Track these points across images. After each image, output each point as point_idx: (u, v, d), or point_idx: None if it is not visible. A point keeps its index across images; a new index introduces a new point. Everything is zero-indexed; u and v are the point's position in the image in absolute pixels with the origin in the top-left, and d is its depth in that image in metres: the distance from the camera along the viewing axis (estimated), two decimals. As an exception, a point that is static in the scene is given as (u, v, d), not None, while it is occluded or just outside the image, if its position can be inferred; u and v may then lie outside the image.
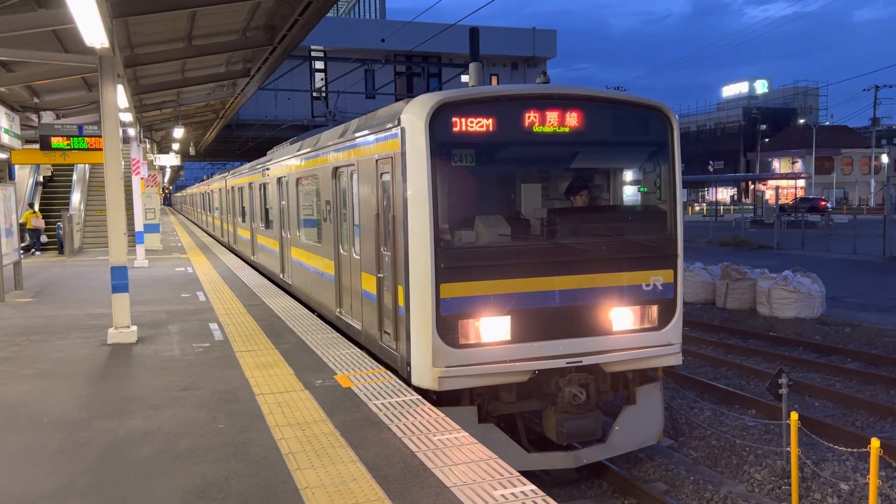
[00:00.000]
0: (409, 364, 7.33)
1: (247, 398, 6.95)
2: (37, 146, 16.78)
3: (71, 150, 16.23)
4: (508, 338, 7.27)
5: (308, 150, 11.98)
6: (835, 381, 12.06)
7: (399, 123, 7.30)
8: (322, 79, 46.57)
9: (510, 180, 8.35)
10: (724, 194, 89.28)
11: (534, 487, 4.77)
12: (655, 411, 8.32)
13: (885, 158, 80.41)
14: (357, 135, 8.95)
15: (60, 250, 23.83)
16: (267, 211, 17.11)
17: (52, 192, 29.14)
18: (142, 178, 22.15)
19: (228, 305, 12.62)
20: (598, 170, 8.76)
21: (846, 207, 70.75)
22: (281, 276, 15.25)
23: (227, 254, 23.63)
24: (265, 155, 19.75)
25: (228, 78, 19.31)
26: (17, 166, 23.74)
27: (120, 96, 11.58)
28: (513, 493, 4.68)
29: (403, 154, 7.20)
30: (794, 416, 7.51)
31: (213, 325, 10.73)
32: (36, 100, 17.21)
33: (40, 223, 24.91)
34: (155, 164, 29.38)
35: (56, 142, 16.13)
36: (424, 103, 7.15)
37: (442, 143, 7.11)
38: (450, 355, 7.08)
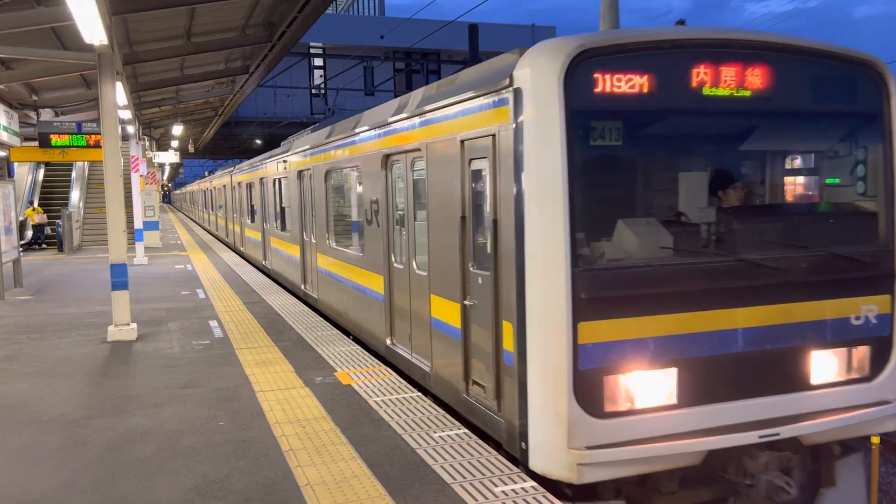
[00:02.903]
0: (523, 438, 5.11)
1: (247, 395, 6.96)
2: (36, 144, 16.76)
3: (70, 147, 16.20)
4: (674, 400, 5.06)
5: (343, 135, 9.80)
6: None
7: (511, 84, 5.12)
8: (321, 76, 46.53)
9: (668, 167, 5.88)
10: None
11: (534, 484, 4.77)
12: (860, 494, 5.95)
13: None
14: (427, 108, 6.73)
15: (60, 248, 23.83)
16: (283, 210, 15.11)
17: (50, 190, 29.10)
18: (141, 176, 22.15)
19: (228, 303, 12.62)
20: (785, 152, 6.33)
21: None
22: (303, 287, 13.07)
23: (227, 251, 23.62)
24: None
25: (227, 75, 19.28)
26: (15, 164, 23.74)
27: (119, 94, 11.56)
28: (513, 490, 4.68)
29: (518, 129, 5.05)
30: None
31: (213, 323, 10.73)
32: (35, 97, 17.17)
33: (43, 218, 25.26)
34: (154, 161, 29.37)
35: (55, 139, 16.10)
36: (556, 51, 4.90)
37: (582, 111, 4.89)
38: (593, 430, 4.86)
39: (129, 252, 14.43)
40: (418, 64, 45.68)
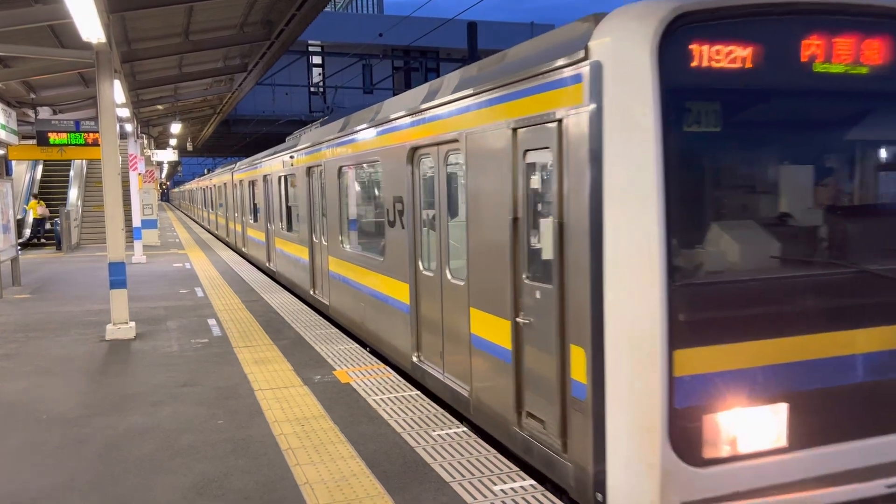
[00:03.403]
0: (599, 489, 4.31)
1: (246, 394, 6.95)
2: (34, 142, 16.74)
3: (68, 145, 16.18)
4: (783, 442, 4.20)
5: (360, 127, 8.93)
6: None
7: (586, 57, 4.26)
8: (320, 74, 46.50)
9: (773, 159, 4.75)
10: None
11: (533, 482, 4.77)
12: None
13: None
14: (467, 92, 5.81)
15: (58, 246, 23.81)
16: (289, 209, 14.30)
17: (48, 189, 29.07)
18: (139, 174, 22.13)
19: (227, 301, 12.61)
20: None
21: None
22: (312, 292, 12.22)
23: (226, 250, 23.60)
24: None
25: (226, 73, 19.27)
26: (13, 162, 23.73)
27: (117, 92, 11.54)
28: (512, 488, 4.68)
29: (596, 113, 4.17)
30: None
31: (212, 321, 10.72)
32: (32, 95, 17.14)
33: (45, 211, 25.45)
34: (152, 159, 29.36)
35: (53, 137, 16.08)
36: (647, 16, 4.05)
37: (677, 90, 4.03)
38: (690, 481, 4.02)
39: (128, 250, 14.42)
40: (417, 62, 45.65)
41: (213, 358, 8.46)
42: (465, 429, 5.83)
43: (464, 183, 6.00)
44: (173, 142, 34.81)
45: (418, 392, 6.88)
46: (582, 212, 4.30)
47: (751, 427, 4.15)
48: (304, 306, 11.96)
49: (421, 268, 7.21)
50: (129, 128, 20.20)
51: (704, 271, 4.20)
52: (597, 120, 4.17)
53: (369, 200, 9.63)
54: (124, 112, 16.36)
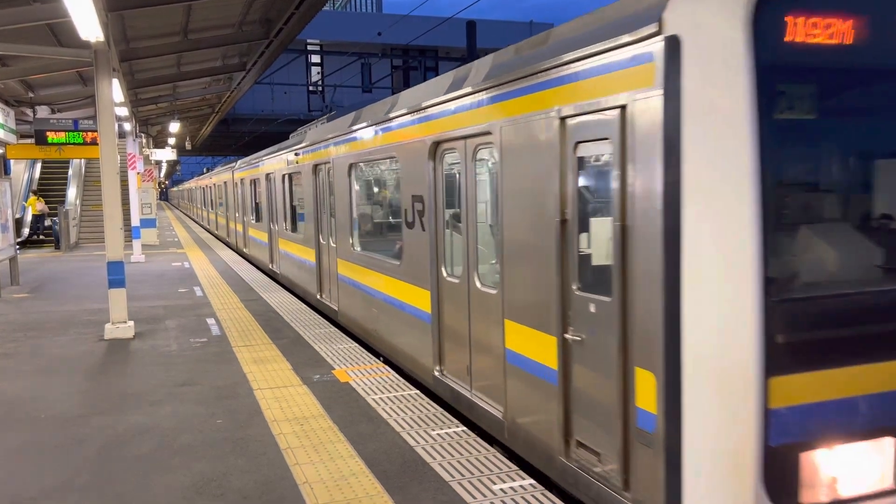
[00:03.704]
0: None
1: (245, 393, 6.94)
2: (32, 141, 16.71)
3: (66, 144, 16.16)
4: (889, 482, 3.70)
5: (374, 121, 8.34)
6: None
7: (660, 31, 3.65)
8: (318, 73, 46.47)
9: (877, 152, 4.01)
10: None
11: (533, 482, 4.77)
12: None
13: None
14: (502, 79, 5.22)
15: (57, 245, 23.79)
16: (293, 209, 13.80)
17: (46, 188, 29.05)
18: (138, 173, 22.11)
19: (225, 300, 12.60)
20: None
21: None
22: (318, 296, 11.72)
23: (224, 249, 23.59)
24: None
25: (224, 72, 19.24)
26: (12, 161, 23.72)
27: (115, 91, 11.53)
28: (512, 487, 4.68)
29: (672, 97, 3.56)
30: None
31: (211, 321, 10.71)
32: (31, 94, 17.12)
33: (44, 207, 25.49)
34: (151, 158, 29.33)
35: (51, 136, 16.05)
36: None
37: (773, 69, 3.48)
38: None
39: (127, 250, 14.42)
40: (416, 61, 45.62)
41: (212, 357, 8.45)
42: (464, 428, 5.82)
43: (497, 180, 5.40)
44: (172, 141, 34.77)
45: (417, 391, 6.87)
46: (653, 212, 3.69)
47: (853, 466, 3.60)
48: (303, 305, 11.95)
49: (444, 274, 6.59)
50: (127, 127, 20.19)
51: (806, 284, 3.57)
52: (673, 105, 3.55)
53: (384, 200, 9.22)
54: (123, 111, 16.35)
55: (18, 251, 16.19)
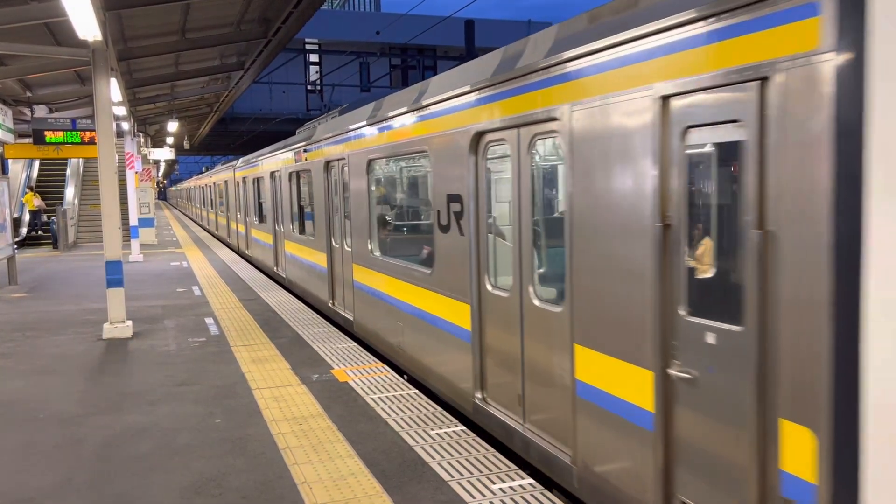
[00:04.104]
0: None
1: (243, 393, 6.94)
2: (30, 140, 16.69)
3: (64, 144, 16.13)
4: None
5: (399, 111, 7.41)
6: None
7: None
8: (317, 72, 46.45)
9: None
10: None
11: (532, 481, 4.77)
12: None
13: None
14: (567, 56, 4.42)
15: (55, 245, 23.76)
16: (302, 209, 13.02)
17: (44, 187, 29.02)
18: (136, 173, 22.09)
19: (224, 300, 12.59)
20: None
21: None
22: (331, 303, 10.89)
23: (223, 248, 23.57)
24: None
25: (223, 71, 19.23)
26: (10, 161, 23.68)
27: (113, 90, 11.51)
28: (511, 487, 4.68)
29: (855, 61, 2.74)
30: None
31: (209, 320, 10.71)
32: (29, 94, 17.11)
33: (41, 203, 25.49)
34: (149, 157, 29.30)
35: (49, 136, 16.03)
36: None
37: None
38: None
39: (125, 249, 14.40)
40: (414, 60, 45.60)
41: (211, 357, 8.44)
42: (463, 427, 5.82)
43: (566, 176, 4.54)
44: (170, 140, 34.72)
45: (416, 391, 6.86)
46: (814, 215, 2.88)
47: None
48: (302, 305, 11.94)
49: (488, 286, 5.73)
50: (125, 126, 20.17)
51: None
52: (852, 72, 2.70)
53: (411, 199, 8.60)
54: (121, 110, 16.32)
55: (16, 251, 16.18)
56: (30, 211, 25.45)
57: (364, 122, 8.63)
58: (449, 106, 6.23)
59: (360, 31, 40.66)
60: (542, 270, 5.26)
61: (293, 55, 41.70)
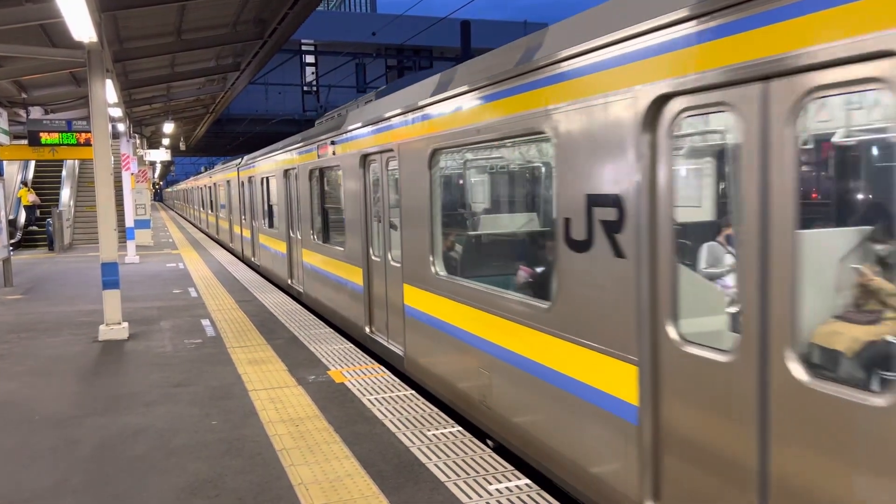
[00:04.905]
0: None
1: (240, 394, 6.93)
2: (25, 142, 16.65)
3: (60, 145, 16.10)
4: None
5: (497, 77, 5.32)
6: None
7: None
8: (313, 73, 46.45)
9: None
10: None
11: (528, 482, 4.77)
12: None
13: None
14: None
15: (50, 247, 23.71)
16: (325, 213, 11.40)
17: (40, 189, 28.98)
18: (132, 174, 22.06)
19: (220, 301, 12.57)
20: None
21: None
22: (367, 329, 9.01)
23: (219, 249, 23.53)
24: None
25: (218, 72, 19.20)
26: (5, 163, 23.64)
27: (109, 91, 11.49)
28: (507, 488, 4.68)
29: None
30: None
31: (206, 321, 10.69)
32: (24, 95, 17.06)
33: (36, 199, 25.55)
34: (145, 159, 29.25)
35: (45, 137, 16.00)
36: None
37: None
38: None
39: (121, 251, 14.38)
40: (410, 61, 45.61)
41: (207, 358, 8.43)
42: (459, 428, 5.82)
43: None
44: (166, 141, 34.67)
45: (413, 392, 6.86)
46: None
47: None
48: (298, 306, 11.91)
49: (672, 334, 3.73)
50: (121, 127, 20.14)
51: None
52: None
53: (499, 201, 7.03)
54: (116, 112, 16.30)
55: (12, 252, 16.14)
56: (25, 207, 25.44)
57: (427, 101, 6.64)
58: (598, 61, 4.13)
59: (356, 32, 40.67)
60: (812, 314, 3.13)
61: (289, 56, 41.70)
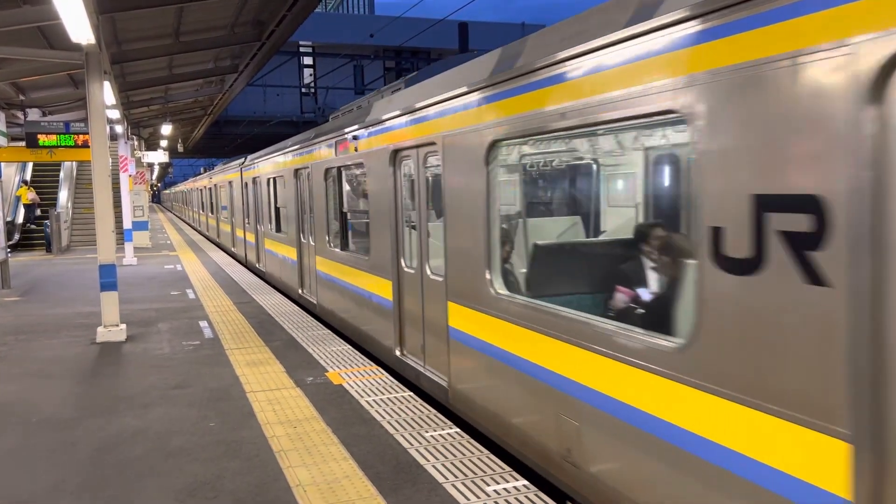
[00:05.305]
0: None
1: (238, 396, 6.93)
2: (23, 144, 16.65)
3: (58, 147, 16.10)
4: None
5: (593, 46, 4.06)
6: None
7: None
8: (311, 74, 46.46)
9: None
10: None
11: (526, 483, 4.78)
12: None
13: None
14: None
15: (48, 248, 23.68)
16: (344, 217, 10.23)
17: (38, 191, 28.96)
18: (130, 176, 22.05)
19: (218, 303, 12.57)
20: None
21: None
22: (401, 352, 7.81)
23: (217, 251, 23.52)
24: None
25: (216, 74, 19.22)
26: (3, 165, 23.62)
27: (107, 93, 11.49)
28: (505, 489, 4.68)
29: None
30: None
31: (203, 323, 10.69)
32: (22, 97, 17.06)
33: (35, 196, 25.58)
34: (143, 161, 29.23)
35: (43, 139, 16.00)
36: None
37: None
38: None
39: (119, 252, 14.37)
40: (408, 62, 45.64)
41: (205, 360, 8.43)
42: (457, 429, 5.83)
43: None
44: (164, 143, 34.67)
45: (411, 393, 6.87)
46: None
47: None
48: (296, 308, 11.90)
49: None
50: (119, 129, 20.12)
51: None
52: None
53: (584, 207, 5.98)
54: (114, 113, 16.29)
55: (9, 254, 16.12)
56: (24, 205, 25.46)
57: (485, 82, 5.39)
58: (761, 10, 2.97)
59: (354, 34, 40.68)
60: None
61: (287, 58, 41.70)
